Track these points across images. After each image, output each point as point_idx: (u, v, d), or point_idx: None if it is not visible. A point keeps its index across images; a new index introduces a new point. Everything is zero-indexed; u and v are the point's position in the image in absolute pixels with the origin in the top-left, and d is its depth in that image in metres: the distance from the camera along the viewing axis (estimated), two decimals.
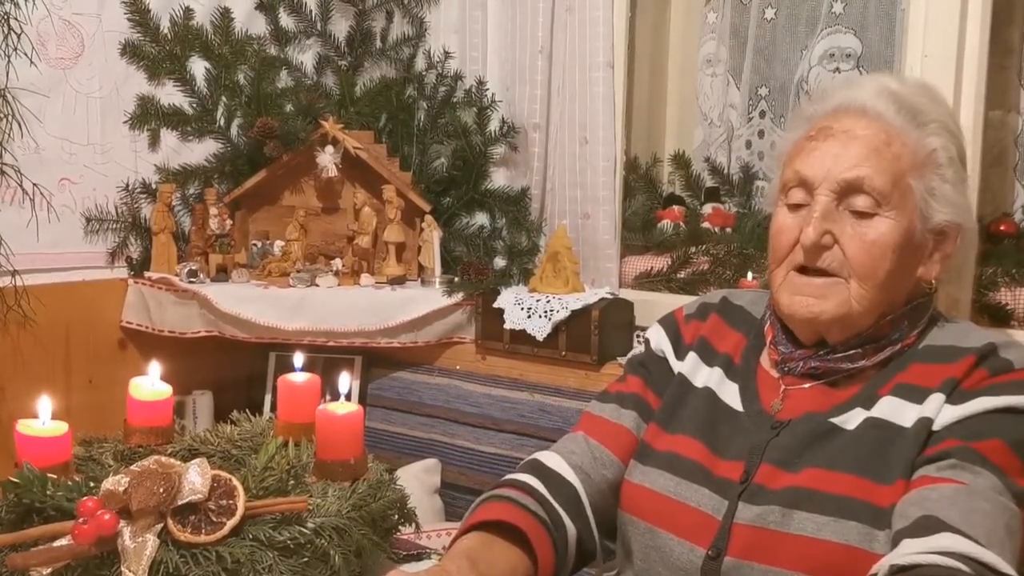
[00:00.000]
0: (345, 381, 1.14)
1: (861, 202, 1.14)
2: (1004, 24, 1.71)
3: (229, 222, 2.02)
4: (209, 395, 2.02)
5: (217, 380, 2.06)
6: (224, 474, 0.98)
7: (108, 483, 0.96)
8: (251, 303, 1.88)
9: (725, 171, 2.11)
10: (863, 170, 1.13)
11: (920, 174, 1.16)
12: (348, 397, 1.16)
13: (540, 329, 1.83)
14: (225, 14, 2.11)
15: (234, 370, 2.06)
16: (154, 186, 2.03)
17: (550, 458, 1.29)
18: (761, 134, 2.08)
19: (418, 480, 1.86)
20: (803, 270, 1.18)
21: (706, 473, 1.19)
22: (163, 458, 0.98)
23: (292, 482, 1.07)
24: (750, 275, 1.77)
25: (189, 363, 2.02)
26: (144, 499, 0.93)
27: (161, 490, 0.93)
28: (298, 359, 1.27)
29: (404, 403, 1.99)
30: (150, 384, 1.25)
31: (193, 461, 0.98)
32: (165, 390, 1.25)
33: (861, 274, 1.14)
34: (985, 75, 1.54)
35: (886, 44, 1.87)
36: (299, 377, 1.25)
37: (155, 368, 1.25)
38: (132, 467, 0.98)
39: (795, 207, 1.19)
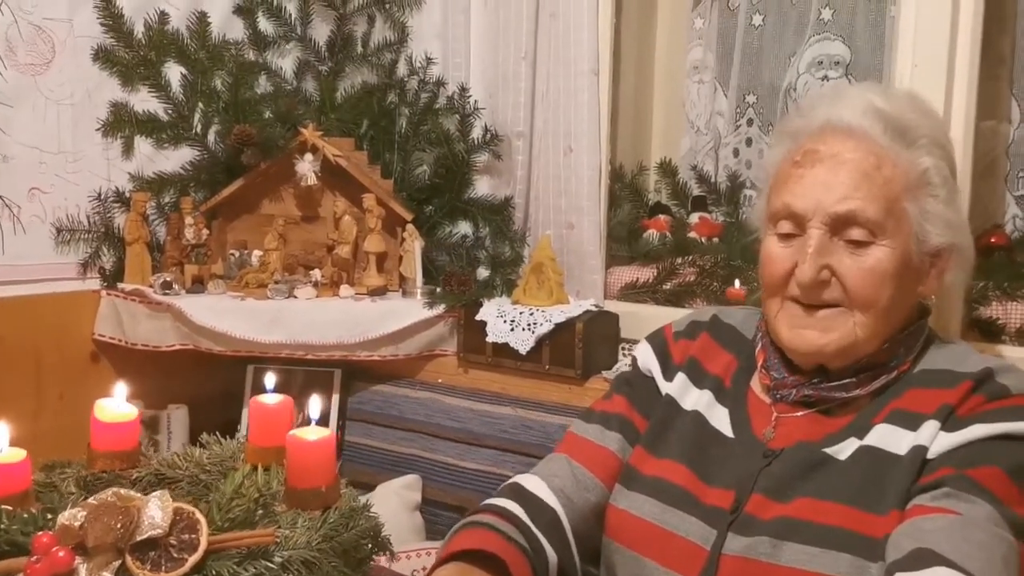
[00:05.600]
0: (316, 405, 1.10)
1: (856, 233, 1.11)
2: (996, 33, 1.68)
3: (205, 232, 1.97)
4: (184, 410, 1.97)
5: (193, 394, 2.01)
6: (187, 507, 0.94)
7: (64, 517, 0.91)
8: (227, 316, 1.83)
9: (712, 180, 2.08)
10: (854, 202, 1.10)
11: (914, 196, 1.12)
12: (321, 421, 1.12)
13: (523, 343, 1.79)
14: (201, 18, 2.06)
15: (211, 383, 2.01)
16: (128, 195, 1.97)
17: (531, 481, 1.25)
18: (749, 142, 2.04)
19: (398, 497, 1.81)
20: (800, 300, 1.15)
21: (694, 500, 1.16)
22: (122, 491, 0.94)
23: (260, 512, 1.03)
24: (737, 283, 1.73)
25: (164, 376, 1.98)
26: (101, 535, 0.88)
27: (119, 525, 0.89)
28: (269, 380, 1.22)
29: (385, 417, 1.94)
30: (115, 405, 1.20)
31: (154, 493, 0.94)
32: (130, 412, 1.19)
33: (862, 303, 1.11)
34: (976, 85, 1.50)
35: (875, 52, 1.84)
36: (271, 398, 1.21)
37: (121, 389, 1.20)
38: (90, 500, 0.93)
39: (786, 236, 1.16)
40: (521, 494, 1.23)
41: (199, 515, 0.93)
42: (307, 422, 1.11)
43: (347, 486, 1.15)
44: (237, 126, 1.95)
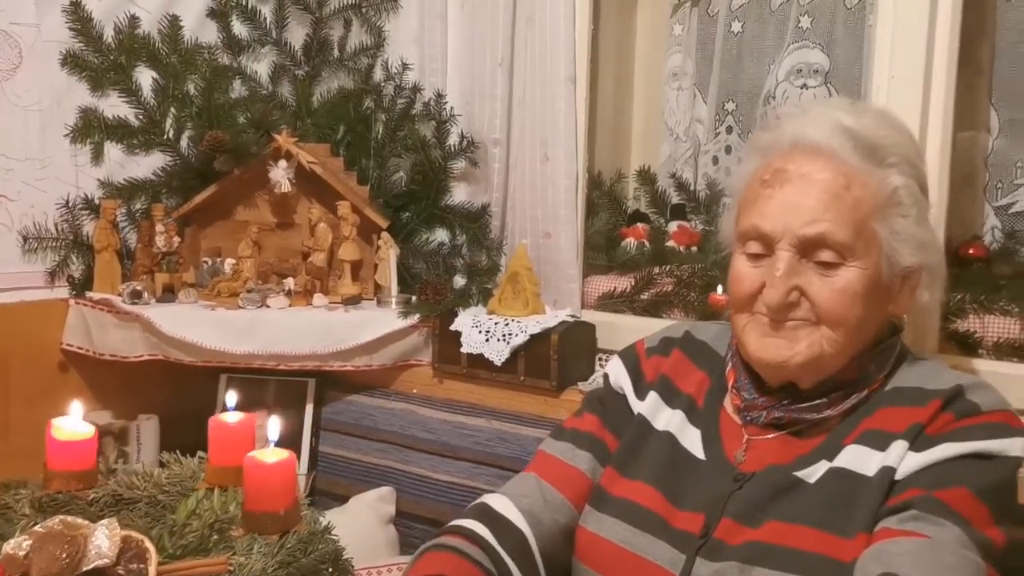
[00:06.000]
0: (275, 427, 1.07)
1: (825, 255, 1.09)
2: (974, 42, 1.66)
3: (177, 239, 1.94)
4: (155, 420, 1.94)
5: (164, 404, 1.98)
6: (135, 535, 0.92)
7: (8, 546, 0.89)
8: (197, 326, 1.80)
9: (691, 187, 2.05)
10: (823, 225, 1.08)
11: (883, 217, 1.11)
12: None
13: (498, 354, 1.76)
14: (173, 22, 2.03)
15: (183, 393, 1.98)
16: (97, 202, 1.94)
17: (499, 502, 1.23)
18: (728, 150, 2.02)
19: (371, 510, 1.79)
20: None
21: (663, 524, 1.14)
22: (69, 518, 0.91)
23: (215, 537, 1.01)
24: (720, 289, 1.71)
25: (134, 386, 1.95)
26: (46, 565, 0.86)
27: (64, 555, 0.86)
28: (231, 398, 1.20)
29: (359, 428, 1.92)
30: (72, 424, 1.17)
31: (102, 522, 0.91)
32: (87, 430, 1.17)
33: (832, 321, 1.10)
34: (953, 95, 1.49)
35: (854, 61, 1.82)
36: (232, 416, 1.19)
37: (77, 408, 1.17)
38: (36, 527, 0.91)
39: (754, 256, 1.14)
40: (488, 515, 1.21)
41: (148, 543, 0.91)
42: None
43: (309, 507, 1.13)
44: (209, 132, 1.92)
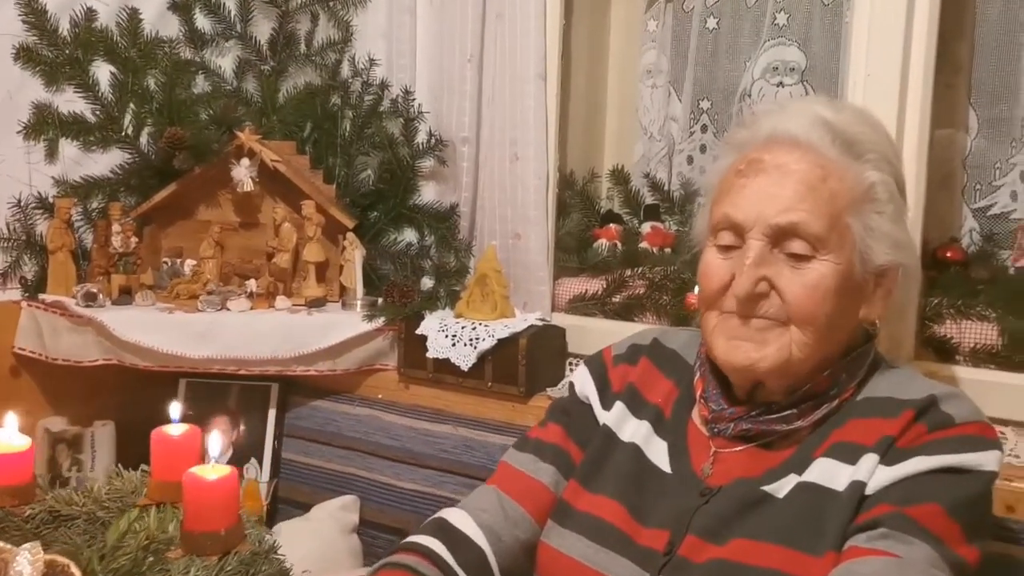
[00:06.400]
0: (216, 442, 1.01)
1: (797, 246, 1.05)
2: (952, 40, 1.62)
3: (134, 239, 1.87)
4: (111, 426, 1.88)
5: (121, 410, 1.91)
6: (60, 559, 0.86)
7: None
8: (154, 329, 1.74)
9: (665, 187, 2.01)
10: (797, 214, 1.04)
11: (858, 211, 1.07)
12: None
13: (464, 359, 1.71)
14: (132, 15, 1.96)
15: (140, 398, 1.90)
16: (51, 200, 1.88)
17: (457, 516, 1.18)
18: (703, 149, 1.97)
19: (334, 519, 1.74)
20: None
21: (627, 541, 1.10)
22: None
23: (151, 559, 0.96)
24: (697, 290, 1.66)
25: (89, 391, 1.89)
26: None
27: None
28: (175, 410, 1.14)
29: (323, 434, 1.86)
30: (6, 436, 1.11)
31: (24, 545, 0.86)
32: (23, 443, 1.11)
33: (801, 319, 1.05)
34: (931, 94, 1.45)
35: (831, 58, 1.78)
36: (175, 429, 1.13)
37: (12, 419, 1.11)
38: None
39: (725, 248, 1.10)
40: (446, 530, 1.16)
41: (74, 568, 0.85)
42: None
43: (255, 525, 1.07)
44: (169, 128, 1.86)
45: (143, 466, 1.17)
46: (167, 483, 1.10)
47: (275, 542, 1.03)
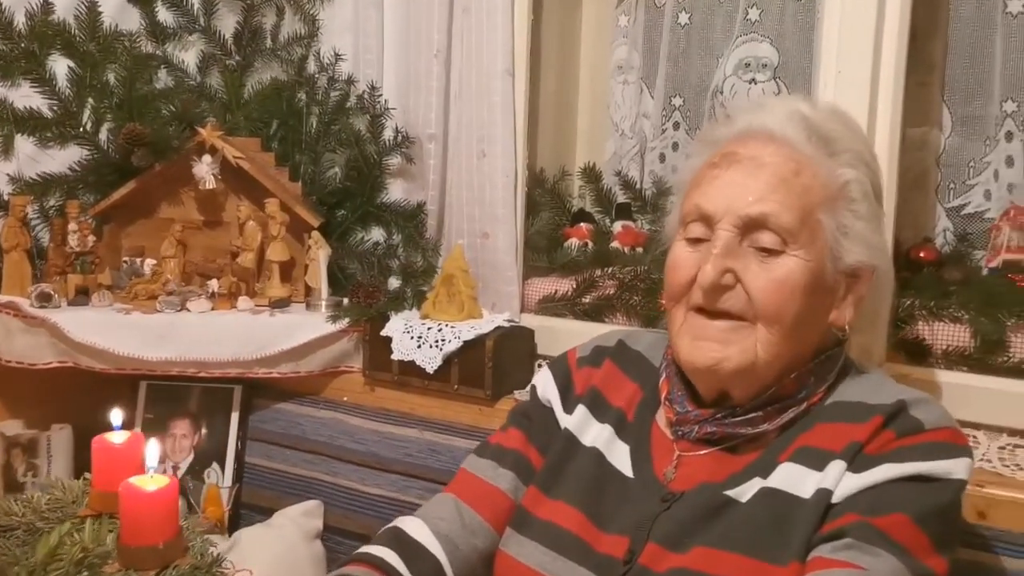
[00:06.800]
0: (154, 452, 0.97)
1: (766, 239, 1.02)
2: (925, 37, 1.59)
3: (92, 238, 1.82)
4: (68, 430, 1.83)
5: (79, 413, 1.85)
6: None
7: None
8: (110, 331, 1.69)
9: (638, 186, 1.97)
10: (768, 205, 1.01)
11: (831, 209, 1.04)
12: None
13: (430, 361, 1.67)
14: (91, 8, 1.91)
15: (99, 401, 1.83)
16: (6, 198, 1.83)
17: (413, 526, 1.15)
18: (675, 146, 1.94)
19: (296, 525, 1.69)
20: (703, 311, 1.06)
21: (585, 549, 1.07)
22: None
23: (85, 574, 0.91)
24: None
25: (46, 394, 1.84)
26: None
27: None
28: (116, 417, 1.10)
29: (287, 438, 1.82)
30: None
31: None
32: None
33: (767, 316, 1.02)
34: (902, 92, 1.42)
35: (804, 55, 1.75)
36: (117, 436, 1.09)
37: None
38: None
39: (695, 241, 1.07)
40: (401, 540, 1.13)
41: None
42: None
43: (199, 538, 1.03)
44: (127, 124, 1.82)
45: (86, 474, 1.13)
46: (108, 494, 1.05)
47: (219, 554, 0.99)
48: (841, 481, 0.98)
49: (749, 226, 1.03)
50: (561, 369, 1.26)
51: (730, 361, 1.04)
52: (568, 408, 1.21)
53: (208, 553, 1.00)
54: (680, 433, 1.10)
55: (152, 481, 0.95)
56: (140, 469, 1.05)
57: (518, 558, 1.11)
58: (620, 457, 1.14)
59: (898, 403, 1.01)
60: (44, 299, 1.72)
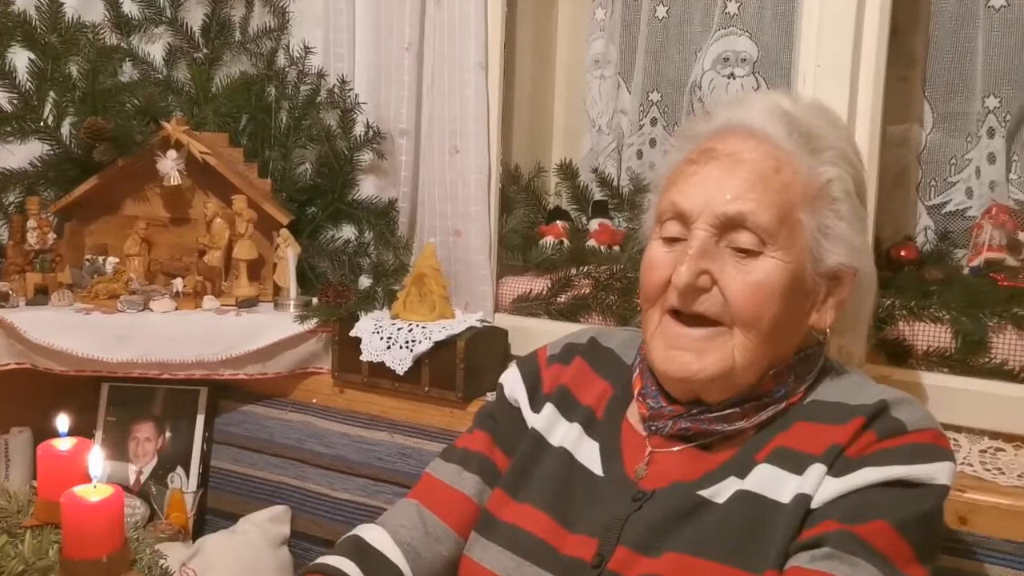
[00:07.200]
0: (97, 460, 0.92)
1: (744, 239, 0.98)
2: (906, 32, 1.56)
3: (52, 236, 1.77)
4: (28, 433, 1.77)
5: (39, 416, 1.79)
6: None
7: None
8: (69, 332, 1.64)
9: (615, 183, 1.93)
10: (746, 203, 0.98)
11: (812, 208, 1.00)
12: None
13: (400, 362, 1.63)
14: None
15: (60, 404, 1.78)
16: None
17: (374, 534, 1.11)
18: (653, 143, 1.90)
19: (262, 531, 1.64)
20: (679, 314, 1.02)
21: (552, 553, 1.02)
22: None
23: None
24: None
25: (6, 396, 1.78)
26: None
27: None
28: (62, 422, 1.05)
29: (254, 441, 1.77)
30: None
31: None
32: None
33: (744, 320, 0.98)
34: (883, 87, 1.39)
35: (783, 49, 1.71)
36: (63, 443, 1.04)
37: None
38: None
39: (671, 240, 1.03)
40: (361, 549, 1.09)
41: None
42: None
43: (148, 550, 0.99)
44: (88, 119, 1.76)
45: (32, 483, 1.08)
46: (54, 503, 1.00)
47: (167, 567, 0.94)
48: (821, 485, 0.95)
49: (726, 225, 0.99)
50: (530, 367, 1.22)
51: (706, 371, 1.01)
52: (536, 407, 1.17)
53: (157, 566, 0.95)
54: (653, 428, 1.07)
55: (96, 491, 0.90)
56: (83, 476, 1.00)
57: (482, 563, 1.07)
58: (589, 455, 1.10)
59: (879, 403, 0.98)
60: (1, 298, 1.67)
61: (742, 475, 0.99)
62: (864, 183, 1.10)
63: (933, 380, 1.37)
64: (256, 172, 1.89)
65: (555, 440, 1.13)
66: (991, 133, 1.55)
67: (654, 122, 1.89)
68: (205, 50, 2.01)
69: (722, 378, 1.01)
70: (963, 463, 1.31)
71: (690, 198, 1.01)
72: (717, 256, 1.00)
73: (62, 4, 1.87)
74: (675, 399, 1.07)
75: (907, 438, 0.96)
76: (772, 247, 0.99)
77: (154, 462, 1.78)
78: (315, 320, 1.72)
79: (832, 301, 1.05)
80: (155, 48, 2.00)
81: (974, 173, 1.58)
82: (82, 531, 0.90)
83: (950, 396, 1.34)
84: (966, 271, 1.51)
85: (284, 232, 1.81)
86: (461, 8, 1.68)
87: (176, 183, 1.81)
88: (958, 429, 1.33)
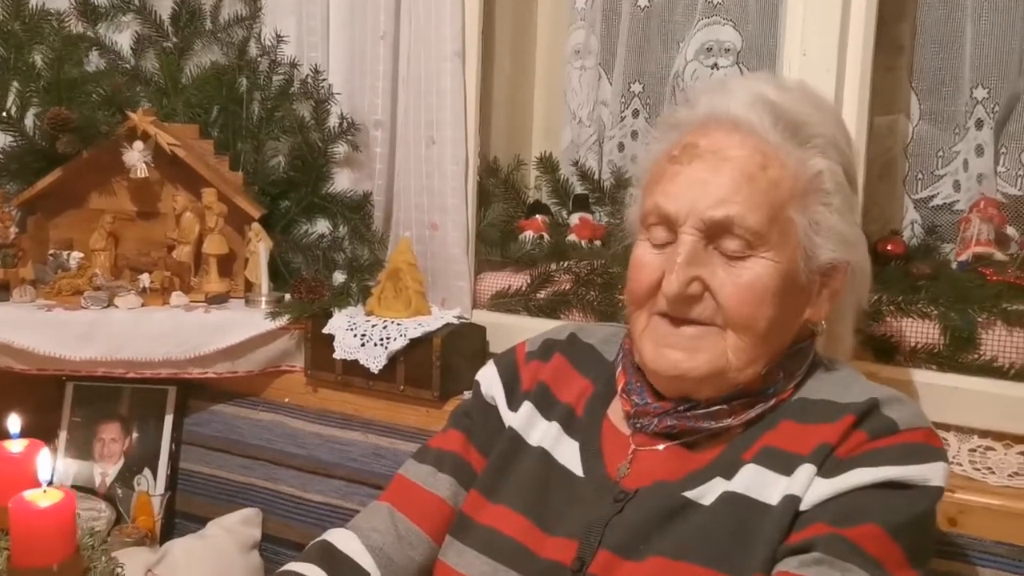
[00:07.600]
0: (46, 463, 0.87)
1: (732, 244, 0.95)
2: (893, 20, 1.53)
3: (14, 230, 1.71)
4: None
5: (2, 415, 1.74)
6: None
7: None
8: (29, 329, 1.59)
9: (596, 176, 1.89)
10: (733, 207, 0.94)
11: (802, 204, 0.97)
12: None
13: (374, 360, 1.58)
14: None
15: (23, 404, 1.73)
16: None
17: (344, 539, 1.06)
18: (635, 135, 1.86)
19: (232, 534, 1.59)
20: (669, 316, 0.99)
21: (529, 556, 0.98)
22: None
23: None
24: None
25: None
26: None
27: None
28: (14, 423, 0.99)
29: (224, 442, 1.72)
30: None
31: None
32: None
33: (738, 324, 0.95)
34: (869, 77, 1.36)
35: (768, 39, 1.67)
36: (16, 446, 0.98)
37: None
38: None
39: (659, 244, 0.99)
40: (330, 555, 1.04)
41: None
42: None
43: (103, 557, 0.93)
44: (52, 109, 1.70)
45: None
46: (3, 508, 0.95)
47: (122, 572, 0.89)
48: (810, 487, 0.92)
49: (714, 229, 0.96)
50: (507, 364, 1.19)
51: (698, 370, 0.98)
52: (513, 405, 1.14)
53: (113, 574, 0.90)
54: (638, 426, 1.03)
55: (46, 496, 0.85)
56: (33, 480, 0.95)
57: (457, 568, 1.03)
58: (568, 455, 1.06)
59: (870, 401, 0.95)
60: None
61: (729, 475, 0.96)
62: (854, 167, 1.07)
63: (921, 377, 1.34)
64: (227, 165, 1.84)
65: (533, 439, 1.10)
66: (979, 125, 1.52)
67: (636, 114, 1.85)
68: (175, 39, 1.96)
69: (714, 377, 0.98)
70: (952, 462, 1.28)
71: (675, 200, 0.98)
72: (707, 260, 0.97)
73: None
74: (662, 395, 1.03)
75: (899, 437, 0.93)
76: (762, 248, 0.96)
77: (120, 464, 1.72)
78: (287, 317, 1.67)
79: (826, 293, 1.03)
80: (123, 37, 1.95)
81: (962, 166, 1.55)
82: (31, 538, 0.85)
83: (939, 394, 1.31)
84: (954, 266, 1.48)
85: (256, 226, 1.76)
86: None
87: (143, 175, 1.76)
88: (947, 428, 1.30)
